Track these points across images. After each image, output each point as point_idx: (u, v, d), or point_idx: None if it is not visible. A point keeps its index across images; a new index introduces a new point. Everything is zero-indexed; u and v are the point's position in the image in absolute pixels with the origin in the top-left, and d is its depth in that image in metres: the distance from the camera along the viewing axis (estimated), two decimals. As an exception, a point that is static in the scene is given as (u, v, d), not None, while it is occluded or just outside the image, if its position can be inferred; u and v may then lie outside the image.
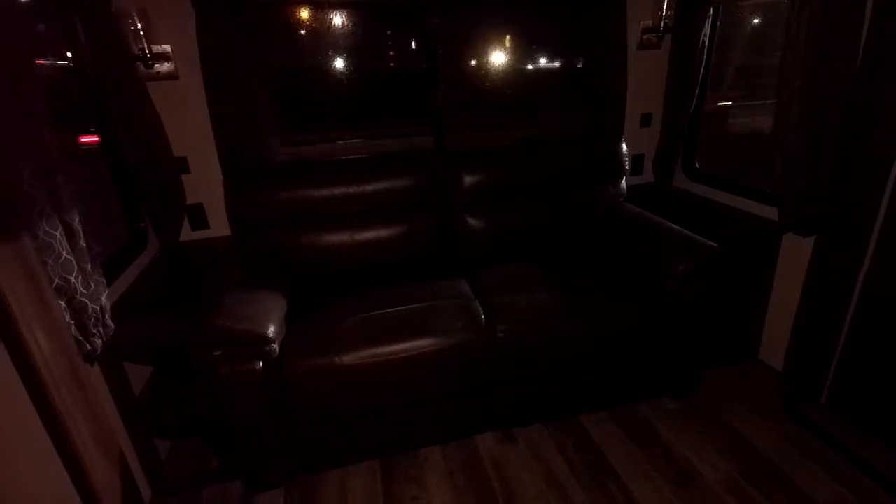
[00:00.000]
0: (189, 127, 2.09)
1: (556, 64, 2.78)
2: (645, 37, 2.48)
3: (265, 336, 1.51)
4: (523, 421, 1.97)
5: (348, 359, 1.60)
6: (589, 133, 2.54)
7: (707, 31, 2.26)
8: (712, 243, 1.90)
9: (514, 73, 2.67)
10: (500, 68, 2.66)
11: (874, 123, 1.61)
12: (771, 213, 2.11)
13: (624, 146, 2.42)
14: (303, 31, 2.40)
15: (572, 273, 2.08)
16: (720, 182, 2.43)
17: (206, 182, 2.18)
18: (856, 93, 1.62)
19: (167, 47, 1.98)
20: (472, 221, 2.26)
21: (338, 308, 1.83)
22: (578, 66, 2.67)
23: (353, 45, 2.44)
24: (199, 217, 2.23)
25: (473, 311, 1.80)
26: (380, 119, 2.70)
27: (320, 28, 2.37)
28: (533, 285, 1.98)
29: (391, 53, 2.71)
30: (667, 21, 2.37)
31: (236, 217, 2.08)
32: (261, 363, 1.53)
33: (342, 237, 2.14)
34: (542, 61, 2.78)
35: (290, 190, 2.10)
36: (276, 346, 1.56)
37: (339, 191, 2.14)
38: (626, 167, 2.45)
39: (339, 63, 2.48)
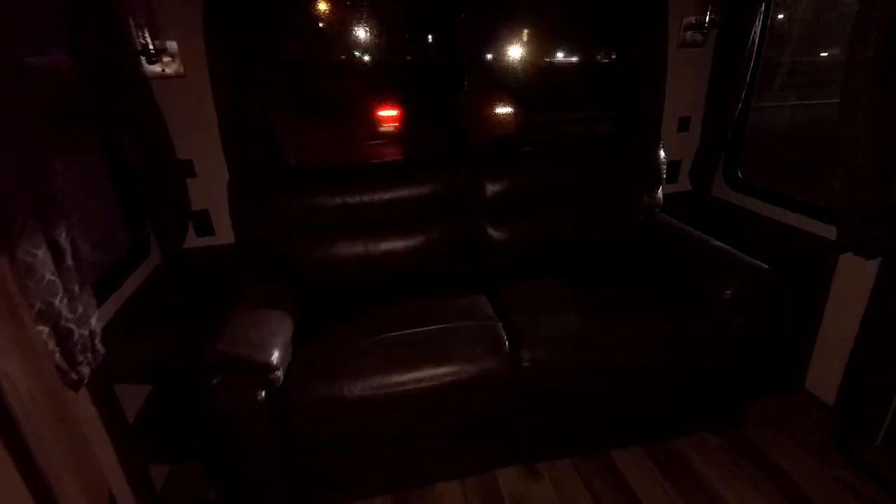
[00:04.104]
0: (196, 128, 1.97)
1: (590, 61, 2.60)
2: (687, 34, 2.27)
3: (268, 364, 1.38)
4: (549, 455, 1.81)
5: (358, 388, 1.46)
6: (623, 137, 2.35)
7: (758, 28, 2.05)
8: (765, 266, 1.72)
9: (544, 69, 2.50)
10: (529, 64, 2.49)
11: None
12: (824, 229, 1.90)
13: (662, 152, 2.22)
14: (321, 23, 2.26)
15: (603, 291, 1.91)
16: (767, 193, 2.22)
17: (212, 187, 2.05)
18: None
19: (173, 43, 1.85)
20: (493, 232, 2.10)
21: (349, 329, 1.69)
22: (614, 64, 2.48)
23: (373, 37, 2.30)
24: (204, 224, 2.10)
25: (495, 336, 1.64)
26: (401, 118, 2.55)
27: (339, 19, 2.23)
28: (560, 304, 1.82)
29: (413, 47, 2.56)
30: (713, 17, 2.17)
31: (242, 225, 1.95)
32: (264, 392, 1.40)
33: (356, 249, 2.00)
34: (575, 58, 2.60)
35: (302, 197, 1.97)
36: (280, 373, 1.43)
37: (353, 199, 1.99)
38: (663, 175, 2.26)
39: (360, 56, 2.34)
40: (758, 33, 2.07)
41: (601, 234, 2.19)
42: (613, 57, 2.50)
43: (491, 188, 2.09)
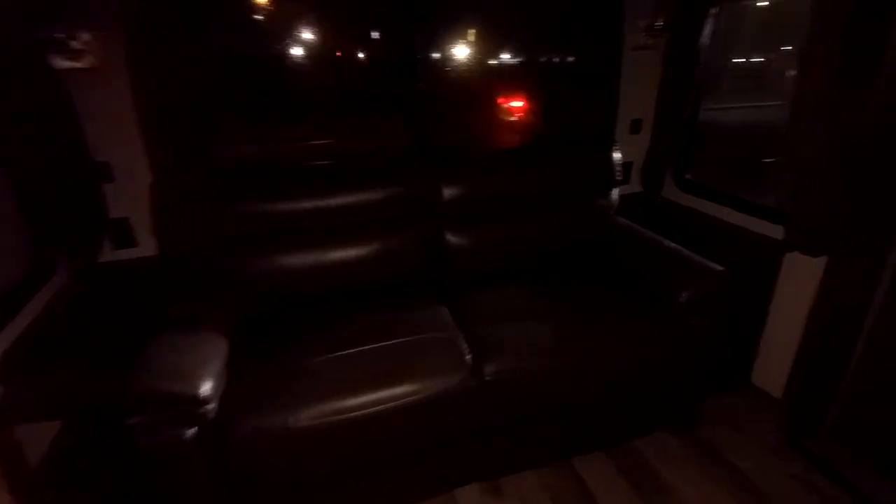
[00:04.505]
0: (114, 126, 1.73)
1: (547, 62, 2.56)
2: (640, 37, 2.27)
3: (196, 397, 1.19)
4: (512, 468, 1.72)
5: (307, 416, 1.31)
6: (580, 139, 2.31)
7: (708, 32, 2.08)
8: (719, 267, 1.72)
9: (504, 70, 2.43)
10: (486, 65, 2.40)
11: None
12: (770, 229, 1.95)
13: (618, 154, 2.21)
14: (262, 14, 2.08)
15: (567, 297, 1.86)
16: (714, 194, 2.27)
17: (134, 192, 1.81)
18: (882, 103, 1.46)
19: (86, 34, 1.61)
20: (453, 239, 1.99)
21: (297, 348, 1.53)
22: (571, 66, 2.45)
23: (322, 29, 2.13)
24: (123, 234, 1.85)
25: (457, 349, 1.54)
26: (352, 117, 2.38)
27: (285, 9, 2.05)
28: (524, 313, 1.75)
29: (367, 41, 2.41)
30: (664, 20, 2.17)
31: (169, 235, 1.74)
32: (194, 429, 1.22)
33: (305, 258, 1.83)
34: (533, 58, 2.55)
35: (241, 203, 1.78)
36: (213, 405, 1.25)
37: (302, 204, 1.83)
38: (619, 177, 2.25)
39: (306, 50, 2.16)
40: (707, 37, 2.10)
41: (563, 237, 2.14)
42: (571, 60, 2.47)
43: (449, 192, 1.99)
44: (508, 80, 2.58)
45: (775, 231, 1.90)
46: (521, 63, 2.58)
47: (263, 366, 1.45)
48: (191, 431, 1.21)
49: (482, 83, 2.45)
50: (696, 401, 1.93)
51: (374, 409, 1.36)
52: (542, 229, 2.10)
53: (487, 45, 2.42)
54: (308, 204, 1.82)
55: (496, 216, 2.06)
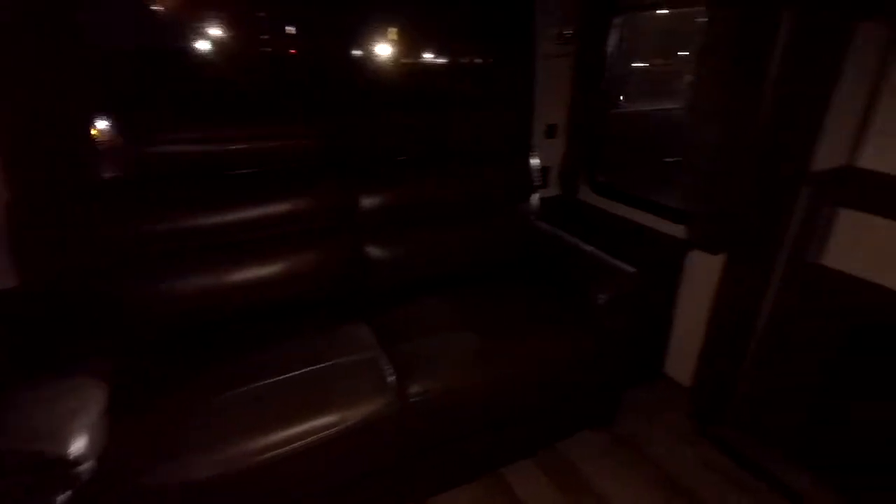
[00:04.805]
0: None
1: (464, 69, 2.55)
2: (551, 45, 2.32)
3: (64, 457, 1.00)
4: (441, 488, 1.67)
5: (209, 465, 1.16)
6: (499, 146, 2.31)
7: (613, 41, 2.17)
8: (632, 269, 1.80)
9: (420, 72, 2.37)
10: (404, 63, 2.33)
11: (786, 143, 1.59)
12: (675, 228, 2.07)
13: (537, 160, 2.24)
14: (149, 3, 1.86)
15: (492, 305, 1.83)
16: (624, 196, 2.38)
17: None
18: (769, 110, 1.58)
19: None
20: (374, 251, 1.90)
21: (196, 384, 1.35)
22: (487, 74, 2.45)
23: (224, 22, 1.94)
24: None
25: (379, 371, 1.45)
26: (257, 118, 2.18)
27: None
28: (450, 325, 1.70)
29: (274, 38, 2.23)
30: (573, 29, 2.24)
31: (34, 261, 1.47)
32: (68, 493, 1.03)
33: (205, 280, 1.64)
34: (451, 63, 2.52)
35: (121, 221, 1.55)
36: (88, 464, 1.06)
37: (197, 221, 1.63)
38: (538, 181, 2.28)
39: (207, 45, 1.96)
40: (612, 46, 2.19)
41: (486, 244, 2.13)
42: (488, 68, 2.48)
43: (367, 202, 1.89)
44: (427, 83, 2.54)
45: (680, 230, 2.02)
46: (440, 66, 2.55)
47: (155, 409, 1.26)
48: (63, 497, 1.02)
49: (398, 85, 2.37)
50: (616, 396, 2.00)
51: (290, 447, 1.24)
52: (465, 237, 2.07)
53: (406, 48, 2.35)
54: (205, 219, 1.63)
55: (418, 225, 1.99)
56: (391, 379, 1.42)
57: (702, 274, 2.00)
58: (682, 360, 2.16)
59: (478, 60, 2.57)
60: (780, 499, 1.68)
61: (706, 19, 1.62)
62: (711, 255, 1.93)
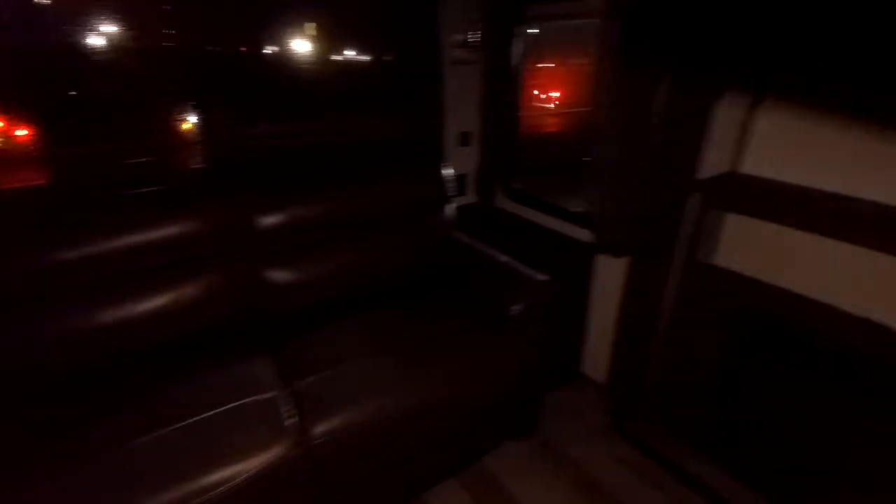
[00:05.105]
0: None
1: (372, 71, 2.44)
2: (457, 52, 2.29)
3: None
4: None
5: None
6: (409, 156, 2.24)
7: (518, 49, 2.17)
8: (544, 277, 1.81)
9: (323, 72, 2.21)
10: (301, 63, 2.16)
11: (675, 154, 1.65)
12: (584, 233, 2.13)
13: (451, 169, 2.19)
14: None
15: (406, 324, 1.77)
16: (538, 203, 2.41)
17: None
18: (662, 120, 1.63)
19: None
20: (275, 274, 1.77)
21: (62, 446, 1.17)
22: (394, 76, 2.37)
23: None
24: None
25: (277, 414, 1.33)
26: (126, 122, 1.91)
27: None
28: (360, 350, 1.61)
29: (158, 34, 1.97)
30: (477, 38, 2.21)
31: None
32: None
33: (70, 322, 1.43)
34: (359, 67, 2.39)
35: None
36: None
37: (55, 254, 1.42)
38: (453, 191, 2.24)
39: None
40: (518, 54, 2.18)
41: (400, 260, 2.06)
42: (393, 69, 2.39)
43: (265, 221, 1.76)
44: (330, 85, 2.40)
45: (588, 235, 2.07)
46: (344, 65, 2.41)
47: (12, 479, 1.07)
48: None
49: (297, 87, 2.21)
50: (537, 403, 2.02)
51: (177, 512, 1.10)
52: (375, 253, 1.99)
53: (317, 46, 2.18)
54: (65, 253, 1.42)
55: (323, 244, 1.88)
56: (291, 421, 1.32)
57: (611, 276, 2.06)
58: (597, 359, 2.22)
59: (387, 58, 2.46)
60: (688, 490, 1.77)
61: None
62: (616, 257, 1.99)
